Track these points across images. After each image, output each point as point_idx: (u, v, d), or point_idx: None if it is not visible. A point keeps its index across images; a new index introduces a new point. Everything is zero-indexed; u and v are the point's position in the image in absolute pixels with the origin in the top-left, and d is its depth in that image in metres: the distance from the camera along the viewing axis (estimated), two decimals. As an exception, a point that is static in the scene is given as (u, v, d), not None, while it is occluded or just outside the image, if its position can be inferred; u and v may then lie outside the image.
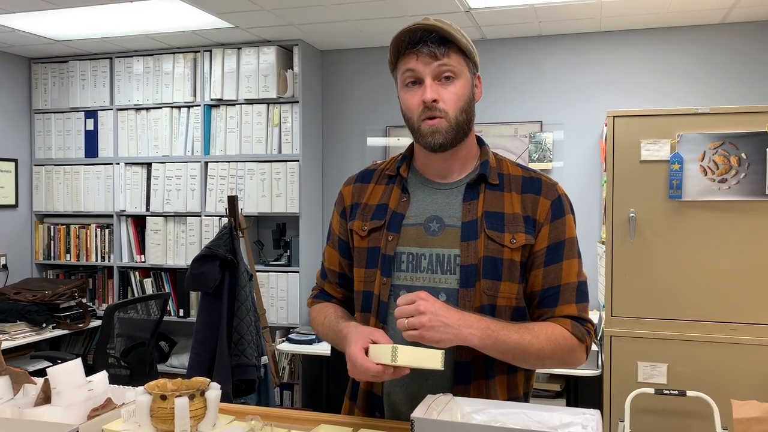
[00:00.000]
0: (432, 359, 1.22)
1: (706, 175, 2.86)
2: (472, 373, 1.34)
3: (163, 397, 1.22)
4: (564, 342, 1.33)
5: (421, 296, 1.24)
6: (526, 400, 1.42)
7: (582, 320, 1.36)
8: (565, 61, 3.91)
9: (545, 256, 1.36)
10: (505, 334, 1.27)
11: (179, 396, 1.22)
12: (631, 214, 2.95)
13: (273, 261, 4.18)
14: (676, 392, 2.70)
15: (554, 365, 1.36)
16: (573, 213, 1.41)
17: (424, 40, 1.31)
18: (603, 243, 3.18)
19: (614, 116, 2.99)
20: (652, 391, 2.74)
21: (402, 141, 4.18)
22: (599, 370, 3.14)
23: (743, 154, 2.82)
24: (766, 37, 3.59)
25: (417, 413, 1.16)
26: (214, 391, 1.28)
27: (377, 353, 1.24)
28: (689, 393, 2.67)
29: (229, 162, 4.13)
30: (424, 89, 1.33)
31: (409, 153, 1.48)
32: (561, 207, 1.38)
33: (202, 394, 1.26)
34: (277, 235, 4.15)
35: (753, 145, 2.80)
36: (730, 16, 3.53)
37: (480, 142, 1.47)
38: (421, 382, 1.34)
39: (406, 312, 1.23)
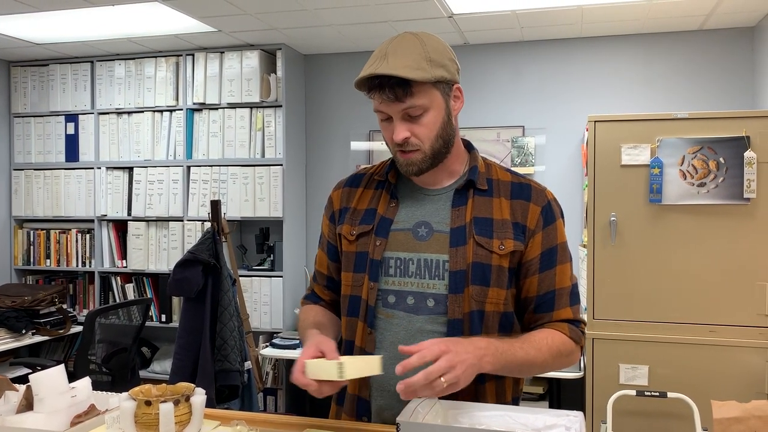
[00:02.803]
0: (372, 366, 1.23)
1: (685, 179, 2.90)
2: None
3: (148, 403, 1.21)
4: (564, 348, 1.36)
5: (438, 351, 1.16)
6: (515, 405, 1.43)
7: (577, 322, 1.40)
8: (546, 67, 3.94)
9: (539, 263, 1.37)
10: (512, 353, 1.28)
11: (164, 401, 1.21)
12: (612, 218, 2.99)
13: (256, 266, 4.17)
14: (657, 394, 2.73)
15: (553, 370, 1.39)
16: (563, 217, 1.43)
17: (383, 86, 1.28)
18: (584, 246, 3.22)
19: (595, 121, 3.02)
20: (633, 392, 2.77)
21: (385, 145, 4.18)
22: (581, 373, 3.16)
23: (721, 159, 2.86)
24: (743, 43, 3.66)
25: (402, 416, 1.17)
26: (200, 396, 1.28)
27: (317, 369, 1.23)
28: (670, 394, 2.70)
29: (211, 166, 4.11)
30: (394, 127, 1.33)
31: None
32: (551, 213, 1.40)
33: (187, 399, 1.26)
34: (261, 240, 4.14)
35: (731, 150, 2.85)
36: (708, 23, 3.59)
37: (469, 147, 1.47)
38: None
39: (437, 371, 1.15)
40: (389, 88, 1.28)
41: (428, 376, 1.14)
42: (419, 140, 1.33)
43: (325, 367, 1.22)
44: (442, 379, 1.14)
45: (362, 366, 1.23)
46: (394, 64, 1.27)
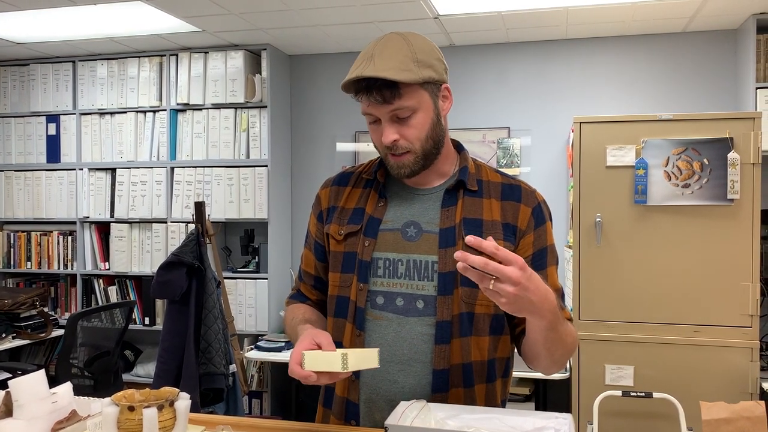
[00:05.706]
0: (371, 359, 1.21)
1: (670, 180, 2.92)
2: (450, 381, 1.33)
3: (131, 408, 1.19)
4: (576, 338, 1.36)
5: (519, 263, 1.07)
6: (503, 407, 1.42)
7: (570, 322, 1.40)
8: (532, 68, 3.95)
9: (531, 264, 1.35)
10: (561, 319, 1.25)
11: (147, 407, 1.19)
12: (598, 219, 2.99)
13: (241, 268, 4.14)
14: (643, 394, 2.75)
15: (563, 361, 1.36)
16: (551, 219, 1.42)
17: (370, 88, 1.27)
18: (570, 247, 3.22)
19: (580, 122, 3.03)
20: (619, 393, 2.78)
21: (371, 146, 4.16)
22: (567, 374, 3.17)
23: (705, 160, 2.88)
24: (726, 45, 3.69)
25: (391, 420, 1.15)
26: (184, 401, 1.25)
27: (317, 360, 1.21)
28: (655, 395, 2.72)
29: (195, 167, 4.08)
30: (383, 130, 1.32)
31: None
32: (542, 214, 1.39)
33: (171, 404, 1.24)
34: (245, 242, 4.11)
35: (714, 151, 2.87)
36: (692, 26, 3.62)
37: (459, 147, 1.46)
38: (399, 389, 1.33)
39: (493, 271, 1.06)
40: (376, 90, 1.26)
41: (486, 266, 1.05)
42: (409, 142, 1.32)
43: (326, 359, 1.20)
44: (492, 283, 1.07)
45: (363, 358, 1.21)
46: (381, 65, 1.25)
